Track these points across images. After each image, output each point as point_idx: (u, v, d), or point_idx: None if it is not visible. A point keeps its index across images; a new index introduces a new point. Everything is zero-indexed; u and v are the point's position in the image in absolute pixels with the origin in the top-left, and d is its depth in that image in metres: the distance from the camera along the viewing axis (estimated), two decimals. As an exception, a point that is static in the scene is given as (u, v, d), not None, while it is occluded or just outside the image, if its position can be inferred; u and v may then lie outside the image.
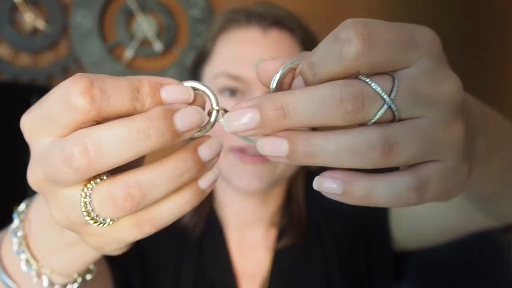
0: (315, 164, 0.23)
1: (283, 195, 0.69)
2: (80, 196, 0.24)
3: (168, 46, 1.33)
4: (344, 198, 0.24)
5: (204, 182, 0.26)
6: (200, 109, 0.25)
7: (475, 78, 1.36)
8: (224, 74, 0.61)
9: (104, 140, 0.22)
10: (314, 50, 0.24)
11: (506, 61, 1.45)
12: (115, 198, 0.23)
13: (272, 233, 0.67)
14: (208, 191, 0.27)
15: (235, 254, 0.65)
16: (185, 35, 1.34)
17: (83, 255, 0.31)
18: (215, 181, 0.27)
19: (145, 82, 0.24)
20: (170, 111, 0.23)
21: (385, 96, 0.22)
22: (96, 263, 0.36)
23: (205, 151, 0.25)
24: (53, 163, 0.23)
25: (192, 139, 0.25)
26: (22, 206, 0.34)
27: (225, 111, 0.26)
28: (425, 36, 0.24)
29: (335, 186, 0.23)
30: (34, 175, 0.25)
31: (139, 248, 0.62)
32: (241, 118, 0.23)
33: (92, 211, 0.24)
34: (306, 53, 0.26)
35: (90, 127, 0.23)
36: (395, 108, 0.22)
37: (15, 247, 0.33)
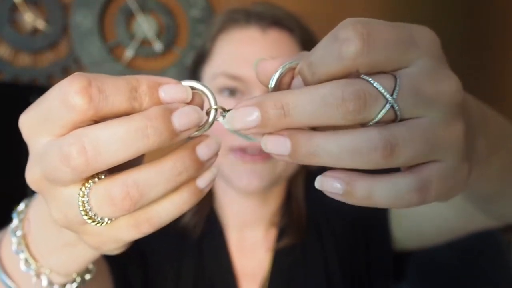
0: (316, 163, 0.23)
1: (283, 195, 0.69)
2: (78, 195, 0.24)
3: (168, 46, 1.33)
4: (345, 198, 0.24)
5: (202, 182, 0.26)
6: (198, 108, 0.25)
7: (475, 78, 1.35)
8: (224, 74, 0.61)
9: (102, 140, 0.22)
10: (313, 49, 0.24)
11: (506, 61, 1.45)
12: (113, 197, 0.23)
13: (272, 233, 0.67)
14: (206, 190, 0.27)
15: (235, 254, 0.65)
16: (185, 35, 1.34)
17: (82, 254, 0.31)
18: (213, 180, 0.27)
19: (143, 81, 0.24)
20: (168, 110, 0.23)
21: (388, 96, 0.22)
22: (95, 263, 0.36)
23: (203, 151, 0.25)
24: (51, 162, 0.23)
25: (190, 138, 0.25)
26: (21, 206, 0.34)
27: (224, 110, 0.26)
28: (424, 36, 0.24)
29: (336, 186, 0.23)
30: (32, 174, 0.25)
31: (139, 248, 0.62)
32: (242, 117, 0.23)
33: (90, 210, 0.24)
34: (305, 53, 0.26)
35: (88, 126, 0.23)
36: (397, 107, 0.22)
37: (14, 246, 0.33)
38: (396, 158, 0.22)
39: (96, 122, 0.23)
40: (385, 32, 0.22)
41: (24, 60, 1.27)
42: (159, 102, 0.24)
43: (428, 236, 0.62)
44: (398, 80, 0.22)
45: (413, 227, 0.63)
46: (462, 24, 1.43)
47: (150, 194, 0.24)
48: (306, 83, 0.24)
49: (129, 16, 1.30)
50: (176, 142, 0.24)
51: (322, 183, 0.24)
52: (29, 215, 0.33)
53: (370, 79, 0.22)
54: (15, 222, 0.33)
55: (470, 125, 0.26)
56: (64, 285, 0.34)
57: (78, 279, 0.34)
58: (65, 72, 1.28)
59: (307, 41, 0.64)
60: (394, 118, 0.23)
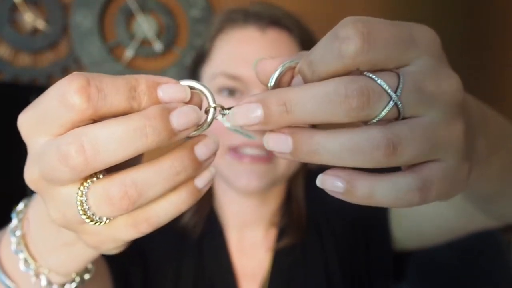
0: (318, 162, 0.23)
1: (283, 195, 0.69)
2: (76, 195, 0.24)
3: (168, 46, 1.33)
4: (346, 197, 0.24)
5: (200, 181, 0.26)
6: (197, 108, 0.24)
7: (475, 78, 1.35)
8: (223, 74, 0.61)
9: (100, 139, 0.22)
10: (313, 48, 0.24)
11: (506, 61, 1.45)
12: (112, 197, 0.23)
13: (272, 233, 0.67)
14: (205, 190, 0.26)
15: (235, 254, 0.65)
16: (185, 35, 1.34)
17: (80, 254, 0.31)
18: (211, 180, 0.27)
19: (142, 81, 0.24)
20: (167, 110, 0.23)
21: (392, 93, 0.22)
22: (95, 262, 0.36)
23: (201, 150, 0.25)
24: (50, 161, 0.23)
25: (189, 137, 0.25)
26: (20, 206, 0.34)
27: (223, 108, 0.26)
28: (424, 35, 0.24)
29: (337, 184, 0.23)
30: (30, 174, 0.25)
31: (139, 247, 0.62)
32: (245, 113, 0.23)
33: (88, 209, 0.24)
34: (305, 52, 0.26)
35: (87, 125, 0.23)
36: (401, 105, 0.22)
37: (13, 246, 0.32)
38: (398, 157, 0.22)
39: (95, 121, 0.23)
40: (385, 30, 0.22)
41: (24, 60, 1.27)
42: (157, 102, 0.24)
43: (428, 236, 0.62)
44: (401, 77, 0.22)
45: (413, 227, 0.63)
46: (462, 24, 1.43)
47: (148, 194, 0.24)
48: (306, 82, 0.24)
49: (129, 16, 1.30)
50: (174, 142, 0.24)
51: (323, 181, 0.24)
52: (28, 215, 0.33)
53: (373, 76, 0.22)
54: (14, 222, 0.33)
55: (470, 125, 0.25)
56: (63, 285, 0.34)
57: (77, 279, 0.34)
58: (65, 72, 1.28)
59: (306, 41, 0.64)
60: (397, 116, 0.23)
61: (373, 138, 0.22)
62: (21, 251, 0.32)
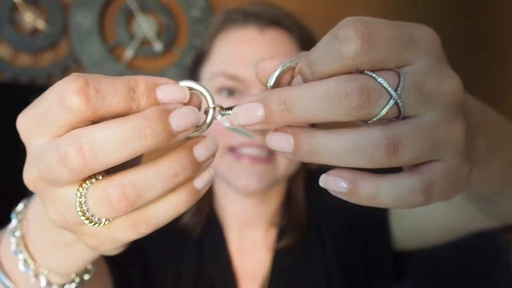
0: (319, 162, 0.23)
1: (282, 195, 0.69)
2: (75, 196, 0.24)
3: (168, 46, 1.33)
4: (350, 198, 0.24)
5: (199, 182, 0.26)
6: (196, 109, 0.24)
7: (475, 78, 1.35)
8: (222, 74, 0.60)
9: (99, 140, 0.22)
10: (313, 48, 0.24)
11: (506, 61, 1.45)
12: (110, 198, 0.23)
13: (272, 233, 0.67)
14: (204, 191, 0.26)
15: (235, 254, 0.65)
16: (185, 35, 1.34)
17: (80, 254, 0.31)
18: (210, 181, 0.26)
19: (141, 82, 0.24)
20: (166, 111, 0.23)
21: (392, 91, 0.22)
22: (94, 263, 0.36)
23: (200, 151, 0.25)
24: (49, 162, 0.23)
25: (188, 138, 0.25)
26: (20, 206, 0.34)
27: (222, 108, 0.26)
28: (424, 35, 0.24)
29: (340, 185, 0.23)
30: (29, 175, 0.25)
31: (139, 247, 0.62)
32: (246, 112, 0.23)
33: (87, 211, 0.24)
34: (305, 52, 0.26)
35: (86, 127, 0.23)
36: (401, 104, 0.22)
37: (13, 247, 0.32)
38: (399, 157, 0.22)
39: (93, 122, 0.23)
40: (385, 31, 0.22)
41: (24, 60, 1.27)
42: (156, 103, 0.24)
43: (428, 236, 0.62)
44: (402, 76, 0.22)
45: (413, 227, 0.63)
46: (462, 24, 1.43)
47: (147, 195, 0.24)
48: (306, 82, 0.24)
49: (129, 16, 1.30)
50: (173, 143, 0.24)
51: (326, 181, 0.24)
52: (28, 216, 0.33)
53: (374, 75, 0.22)
54: (14, 222, 0.33)
55: (470, 125, 0.25)
56: (63, 285, 0.34)
57: (77, 279, 0.34)
58: (65, 72, 1.28)
59: (305, 41, 0.64)
60: (397, 116, 0.23)
61: (374, 138, 0.22)
62: (21, 252, 0.32)
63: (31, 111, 0.24)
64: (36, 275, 0.33)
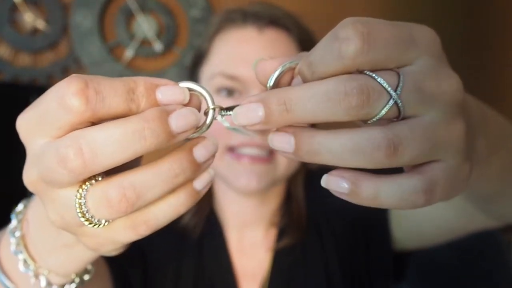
0: (319, 162, 0.23)
1: (282, 194, 0.69)
2: (75, 197, 0.24)
3: (168, 46, 1.32)
4: (351, 198, 0.24)
5: (199, 183, 0.26)
6: (196, 110, 0.24)
7: (475, 78, 1.35)
8: (221, 74, 0.60)
9: (99, 141, 0.22)
10: (313, 49, 0.24)
11: (506, 61, 1.45)
12: (110, 199, 0.23)
13: (272, 233, 0.67)
14: (203, 192, 0.26)
15: (235, 254, 0.65)
16: (185, 35, 1.34)
17: (80, 255, 0.31)
18: (210, 182, 0.26)
19: (141, 83, 0.24)
20: (165, 112, 0.23)
21: (392, 91, 0.22)
22: (94, 263, 0.36)
23: (200, 152, 0.25)
24: (48, 164, 0.23)
25: (188, 139, 0.25)
26: (20, 207, 0.34)
27: (222, 109, 0.26)
28: (424, 35, 0.24)
29: (342, 185, 0.23)
30: (29, 176, 0.25)
31: (139, 248, 0.62)
32: (246, 113, 0.23)
33: (87, 212, 0.24)
34: (305, 53, 0.26)
35: (85, 128, 0.23)
36: (401, 104, 0.22)
37: (13, 247, 0.32)
38: (399, 157, 0.22)
39: (93, 124, 0.23)
40: (385, 31, 0.22)
41: (24, 60, 1.27)
42: (156, 104, 0.24)
43: (428, 236, 0.62)
44: (401, 76, 0.22)
45: (413, 227, 0.63)
46: (462, 24, 1.43)
47: (147, 196, 0.24)
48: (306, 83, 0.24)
49: (129, 16, 1.30)
50: (173, 144, 0.24)
51: (328, 182, 0.24)
52: (27, 216, 0.33)
53: (373, 75, 0.22)
54: (13, 222, 0.33)
55: (470, 125, 0.25)
56: (63, 285, 0.34)
57: (77, 280, 0.34)
58: (65, 72, 1.28)
59: (304, 41, 0.64)
60: (397, 116, 0.23)
61: (374, 139, 0.22)
62: (21, 252, 0.32)
63: (31, 112, 0.24)
64: (36, 276, 0.33)
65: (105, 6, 1.29)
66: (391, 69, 0.23)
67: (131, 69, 1.31)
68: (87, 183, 0.24)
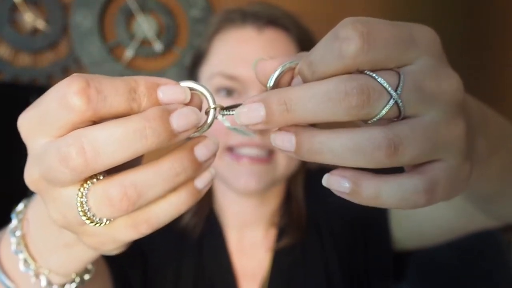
0: (320, 161, 0.23)
1: (282, 194, 0.69)
2: (76, 196, 0.24)
3: (168, 46, 1.32)
4: (352, 197, 0.24)
5: (200, 182, 0.26)
6: (197, 109, 0.25)
7: (475, 78, 1.35)
8: (220, 74, 0.61)
9: (100, 140, 0.22)
10: (313, 49, 0.24)
11: (506, 61, 1.45)
12: (111, 198, 0.23)
13: (272, 233, 0.67)
14: (204, 191, 0.27)
15: (235, 254, 0.65)
16: (185, 35, 1.34)
17: (81, 255, 0.31)
18: (211, 181, 0.27)
19: (142, 82, 0.24)
20: (167, 111, 0.23)
21: (392, 91, 0.22)
22: (95, 263, 0.36)
23: (201, 151, 0.25)
24: (50, 163, 0.23)
25: (189, 138, 0.25)
26: (20, 206, 0.34)
27: (222, 108, 0.26)
28: (424, 35, 0.24)
29: (344, 184, 0.23)
30: (31, 175, 0.25)
31: (139, 248, 0.62)
32: (248, 113, 0.23)
33: (88, 211, 0.24)
34: (305, 53, 0.26)
35: (87, 127, 0.23)
36: (401, 103, 0.22)
37: (13, 247, 0.32)
38: (399, 157, 0.22)
39: (94, 123, 0.23)
40: (385, 31, 0.22)
41: (24, 60, 1.27)
42: (157, 103, 0.24)
43: (428, 236, 0.62)
44: (402, 76, 0.22)
45: (413, 227, 0.63)
46: (462, 24, 1.43)
47: (148, 195, 0.24)
48: (306, 83, 0.24)
49: (129, 16, 1.30)
50: (174, 143, 0.24)
51: (329, 181, 0.24)
52: (28, 215, 0.33)
53: (374, 75, 0.22)
54: (14, 222, 0.33)
55: (470, 125, 0.25)
56: (63, 285, 0.34)
57: (77, 279, 0.34)
58: (65, 72, 1.28)
59: (304, 40, 0.64)
60: (397, 115, 0.23)
61: (374, 138, 0.22)
62: (21, 252, 0.32)
63: (32, 112, 0.24)
64: (37, 275, 0.33)
65: (105, 6, 1.29)
66: (391, 69, 0.23)
67: (131, 69, 1.31)
68: (88, 182, 0.24)
